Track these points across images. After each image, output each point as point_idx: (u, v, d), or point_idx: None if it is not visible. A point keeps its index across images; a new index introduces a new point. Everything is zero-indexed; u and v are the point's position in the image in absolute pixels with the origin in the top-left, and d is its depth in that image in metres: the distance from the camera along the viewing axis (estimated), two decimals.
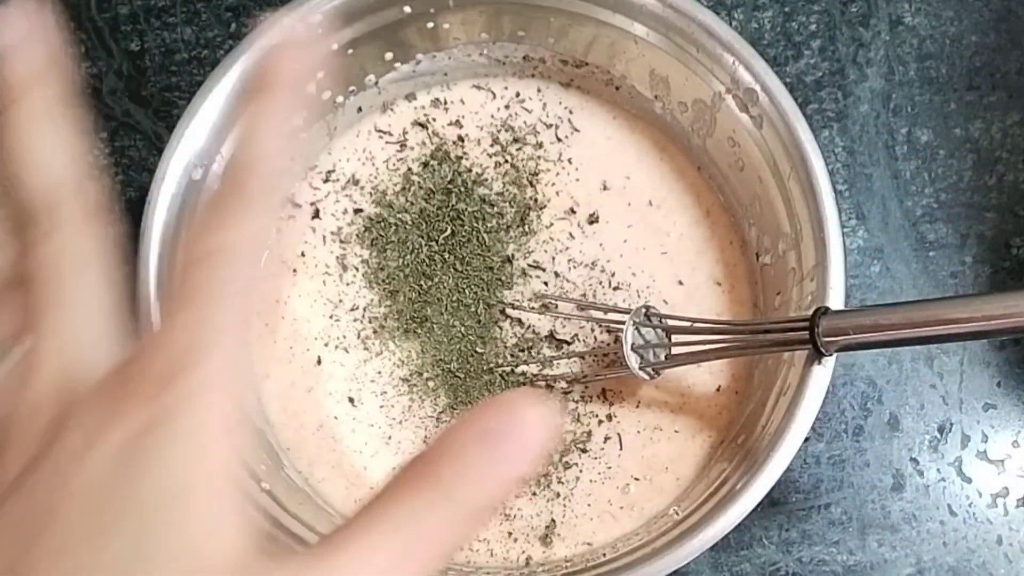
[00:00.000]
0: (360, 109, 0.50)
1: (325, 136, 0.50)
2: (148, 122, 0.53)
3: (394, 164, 0.50)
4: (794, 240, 0.43)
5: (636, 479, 0.47)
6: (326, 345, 0.48)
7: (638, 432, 0.47)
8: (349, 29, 0.45)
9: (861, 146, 0.52)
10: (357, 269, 0.49)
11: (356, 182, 0.50)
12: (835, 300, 0.40)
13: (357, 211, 0.50)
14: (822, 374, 0.39)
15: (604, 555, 0.44)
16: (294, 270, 0.49)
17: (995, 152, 0.52)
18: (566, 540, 0.46)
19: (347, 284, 0.49)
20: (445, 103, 0.51)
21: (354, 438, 0.47)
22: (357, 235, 0.50)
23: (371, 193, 0.50)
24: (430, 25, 0.47)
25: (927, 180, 0.52)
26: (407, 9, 0.45)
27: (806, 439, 0.39)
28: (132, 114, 0.53)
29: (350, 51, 0.46)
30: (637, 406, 0.47)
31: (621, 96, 0.50)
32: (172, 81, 0.53)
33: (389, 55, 0.48)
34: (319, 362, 0.48)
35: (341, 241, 0.49)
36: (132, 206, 0.52)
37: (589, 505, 0.47)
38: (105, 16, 0.54)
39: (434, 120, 0.51)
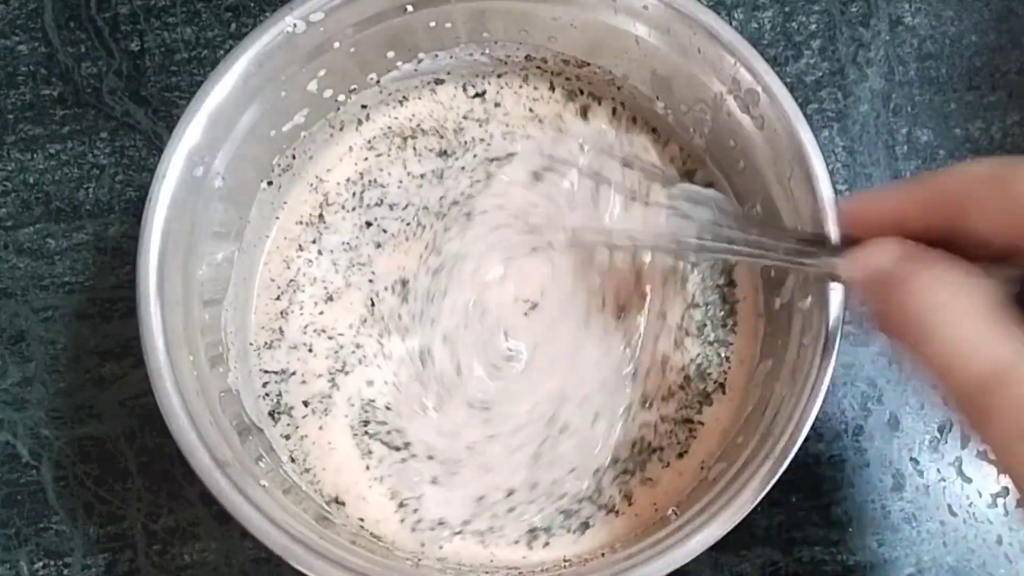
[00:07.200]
0: (362, 108, 0.50)
1: (327, 134, 0.50)
2: (148, 122, 0.53)
3: None
4: None
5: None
6: (327, 343, 0.48)
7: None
8: (350, 27, 0.45)
9: (861, 146, 0.52)
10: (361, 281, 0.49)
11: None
12: (835, 300, 0.40)
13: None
14: (822, 373, 0.39)
15: (603, 555, 0.44)
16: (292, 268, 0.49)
17: (995, 152, 0.52)
18: (566, 540, 0.46)
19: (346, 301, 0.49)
20: None
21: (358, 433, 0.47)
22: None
23: None
24: (432, 24, 0.47)
25: None
26: (409, 8, 0.45)
27: (806, 439, 0.39)
28: (132, 114, 0.53)
29: (352, 49, 0.46)
30: None
31: (623, 96, 0.50)
32: (172, 81, 0.53)
33: (391, 54, 0.48)
34: (310, 348, 0.48)
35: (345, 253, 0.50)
36: (132, 206, 0.52)
37: None
38: (105, 16, 0.54)
39: None
